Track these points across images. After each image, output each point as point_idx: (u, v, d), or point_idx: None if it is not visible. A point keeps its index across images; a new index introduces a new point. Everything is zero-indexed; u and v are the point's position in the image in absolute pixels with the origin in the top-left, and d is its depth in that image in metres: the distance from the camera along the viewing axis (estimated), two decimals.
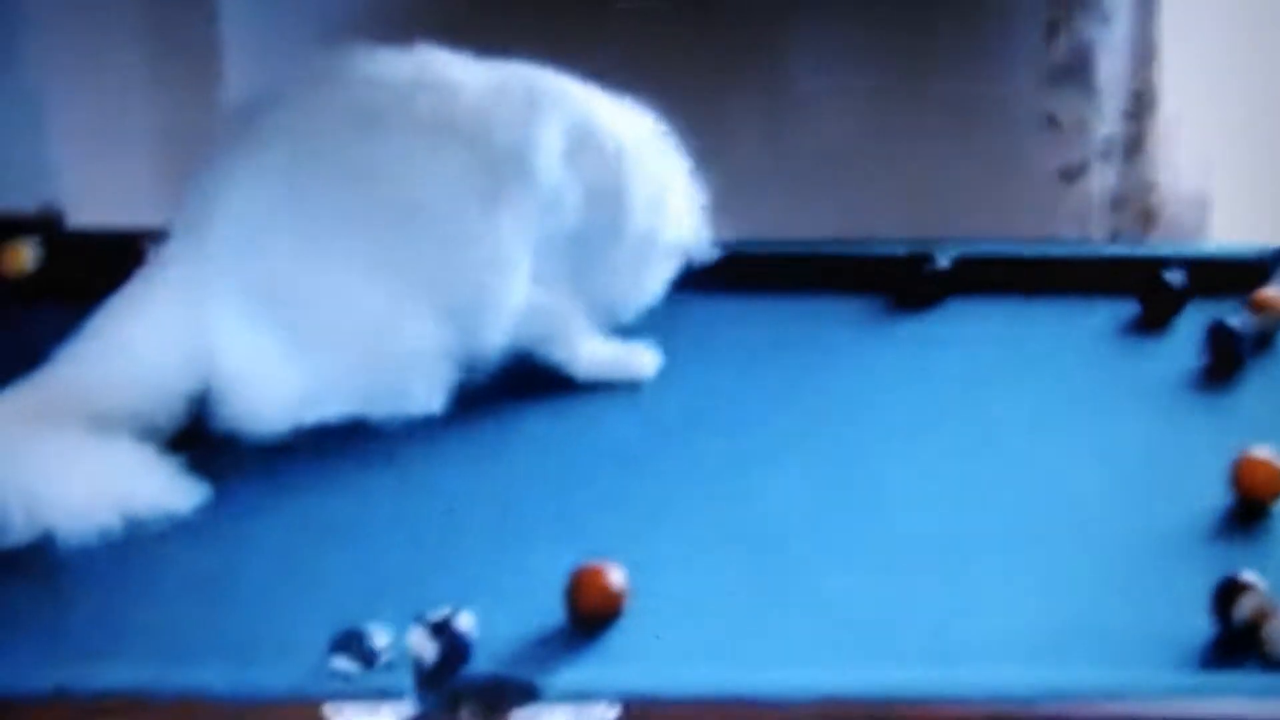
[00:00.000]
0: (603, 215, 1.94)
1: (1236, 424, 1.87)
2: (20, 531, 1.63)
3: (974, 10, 2.75)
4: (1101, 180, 2.67)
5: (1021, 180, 2.73)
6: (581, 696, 1.37)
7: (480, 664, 1.46)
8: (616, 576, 1.55)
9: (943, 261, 2.16)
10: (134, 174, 2.59)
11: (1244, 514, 1.70)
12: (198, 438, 1.81)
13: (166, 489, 1.69)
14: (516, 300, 1.89)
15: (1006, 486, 1.76)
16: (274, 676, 1.41)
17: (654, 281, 2.00)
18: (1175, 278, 2.10)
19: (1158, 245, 2.34)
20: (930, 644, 1.49)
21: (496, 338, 1.89)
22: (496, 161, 1.88)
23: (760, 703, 1.37)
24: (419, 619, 1.45)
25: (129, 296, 1.83)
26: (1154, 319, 2.09)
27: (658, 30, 2.75)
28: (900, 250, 2.18)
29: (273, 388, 1.82)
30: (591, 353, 1.98)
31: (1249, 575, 1.53)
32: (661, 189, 1.98)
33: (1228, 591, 1.52)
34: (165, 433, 1.76)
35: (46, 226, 2.22)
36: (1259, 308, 2.04)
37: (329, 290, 1.82)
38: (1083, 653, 1.48)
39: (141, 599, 1.60)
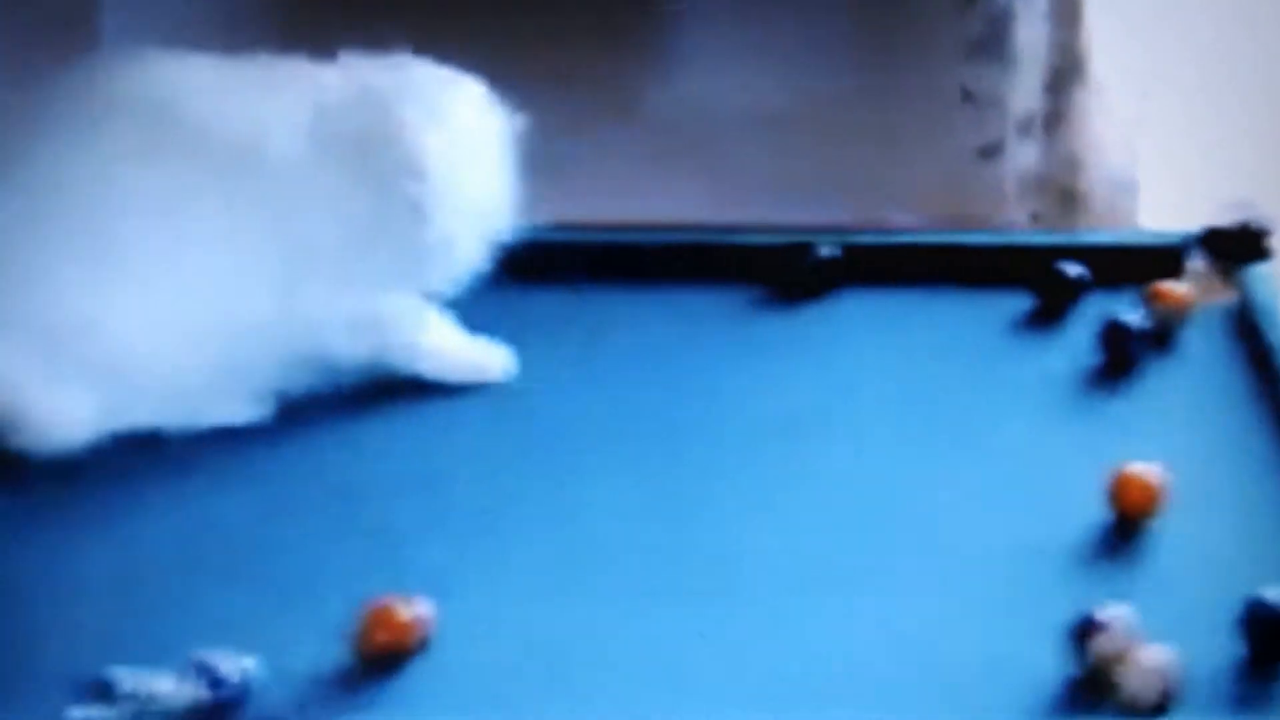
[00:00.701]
0: (396, 196, 1.77)
1: (1123, 430, 1.72)
2: None
3: None
4: (1021, 159, 2.50)
5: (938, 158, 2.55)
6: None
7: (254, 711, 1.33)
8: (408, 612, 1.40)
9: (828, 250, 1.99)
10: None
11: (1120, 532, 1.54)
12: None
13: None
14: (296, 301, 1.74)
15: (865, 501, 1.61)
16: None
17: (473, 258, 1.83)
18: (1073, 268, 1.94)
19: (1056, 232, 2.17)
20: (752, 690, 1.34)
21: (301, 342, 1.74)
22: (221, 159, 1.73)
23: None
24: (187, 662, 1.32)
25: None
26: (1049, 312, 1.93)
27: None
28: (781, 239, 2.01)
29: (59, 406, 1.69)
30: (438, 349, 1.83)
31: (1106, 612, 1.38)
32: (473, 161, 1.80)
33: (1084, 631, 1.38)
34: None
35: None
36: (1158, 301, 1.88)
37: (108, 306, 1.69)
38: (925, 700, 1.33)
39: None
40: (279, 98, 1.77)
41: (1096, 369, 1.82)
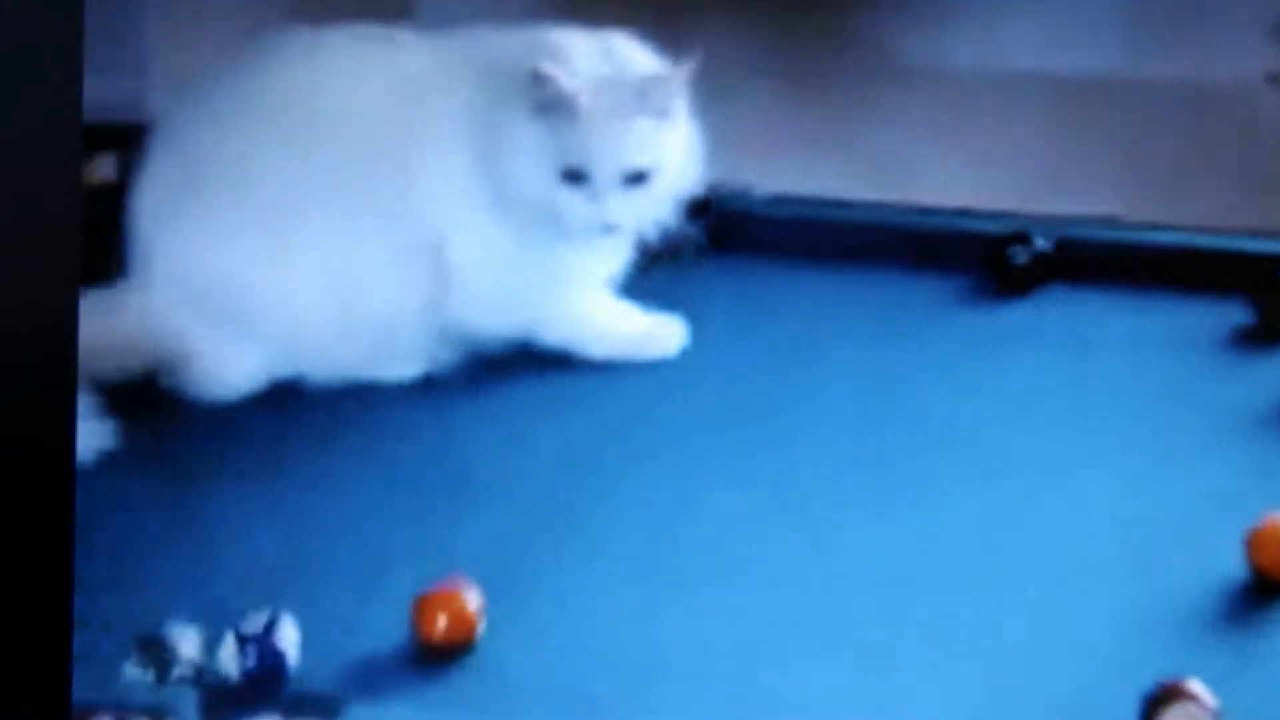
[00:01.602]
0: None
1: None
2: None
3: None
4: None
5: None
6: None
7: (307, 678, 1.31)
8: (462, 604, 1.36)
9: (1042, 243, 1.87)
10: None
11: (1258, 592, 1.40)
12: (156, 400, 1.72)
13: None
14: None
15: (1004, 534, 1.50)
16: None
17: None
18: None
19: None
20: None
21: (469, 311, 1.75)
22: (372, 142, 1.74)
23: None
24: (234, 627, 1.32)
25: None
26: (1270, 329, 1.76)
27: None
28: (994, 227, 1.89)
29: (224, 360, 1.74)
30: (601, 328, 1.79)
31: (1194, 684, 1.25)
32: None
33: (1159, 700, 1.25)
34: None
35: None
36: None
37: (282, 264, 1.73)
38: None
39: None
40: (423, 80, 1.76)
41: None
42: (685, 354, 1.81)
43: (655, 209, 1.75)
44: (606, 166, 1.71)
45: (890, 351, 1.80)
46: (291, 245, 1.73)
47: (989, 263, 1.88)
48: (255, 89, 1.79)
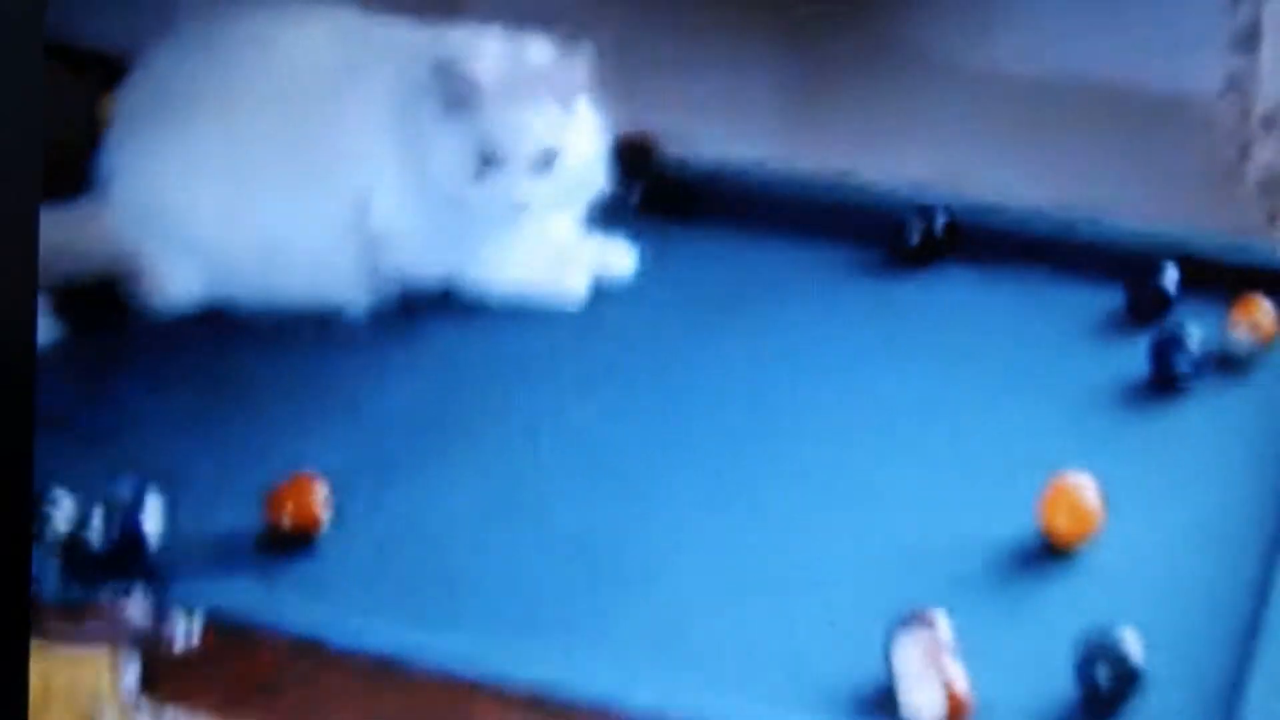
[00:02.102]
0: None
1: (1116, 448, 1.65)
2: None
3: None
4: (1260, 157, 2.33)
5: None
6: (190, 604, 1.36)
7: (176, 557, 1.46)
8: (308, 495, 1.51)
9: (941, 220, 1.96)
10: None
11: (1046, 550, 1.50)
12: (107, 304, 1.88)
13: None
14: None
15: (843, 469, 1.63)
16: None
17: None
18: (1171, 274, 1.84)
19: (1171, 232, 2.02)
20: None
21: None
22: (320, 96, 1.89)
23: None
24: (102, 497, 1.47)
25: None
26: (1137, 316, 1.84)
27: None
28: (899, 204, 1.99)
29: (167, 275, 1.89)
30: (505, 278, 1.92)
31: (936, 615, 1.34)
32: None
33: (902, 623, 1.35)
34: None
35: None
36: (1239, 321, 1.76)
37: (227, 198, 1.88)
38: None
39: None
40: (362, 59, 1.90)
41: (1144, 382, 1.74)
42: (596, 303, 1.93)
43: (563, 191, 1.88)
44: (514, 150, 1.83)
45: (792, 310, 1.91)
46: (237, 184, 1.88)
47: (891, 236, 1.98)
48: (225, 43, 1.95)
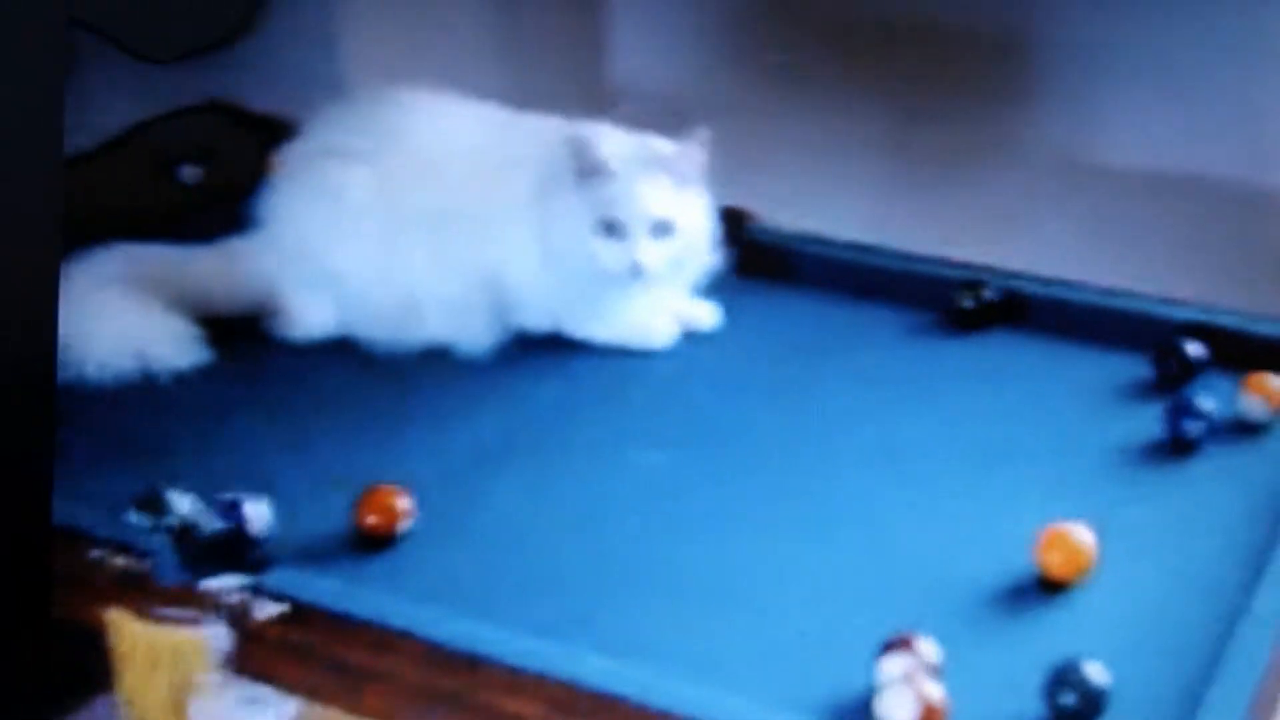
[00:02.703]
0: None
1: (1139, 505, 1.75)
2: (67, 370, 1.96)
3: None
4: None
5: None
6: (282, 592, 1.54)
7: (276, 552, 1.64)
8: (390, 501, 1.69)
9: (990, 292, 2.09)
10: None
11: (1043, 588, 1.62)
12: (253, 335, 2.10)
13: (177, 350, 2.01)
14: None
15: (870, 508, 1.75)
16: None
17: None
18: (1193, 346, 1.94)
19: (1198, 309, 2.11)
20: None
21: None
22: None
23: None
24: (214, 497, 1.66)
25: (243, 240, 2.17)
26: (1164, 384, 1.94)
27: None
28: (956, 275, 2.13)
29: (311, 313, 2.11)
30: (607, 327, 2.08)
31: (922, 640, 1.47)
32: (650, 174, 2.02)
33: (890, 646, 1.47)
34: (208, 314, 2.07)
35: None
36: (1249, 391, 1.85)
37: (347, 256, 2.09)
38: None
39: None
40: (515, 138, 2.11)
41: (1159, 444, 1.84)
42: (684, 352, 2.09)
43: (677, 259, 2.06)
44: (635, 216, 2.03)
45: (855, 363, 2.05)
46: (383, 239, 2.09)
47: (945, 304, 2.11)
48: (386, 116, 2.17)
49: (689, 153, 2.06)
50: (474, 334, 2.09)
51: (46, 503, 1.49)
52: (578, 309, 2.10)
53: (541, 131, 2.13)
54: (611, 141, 2.06)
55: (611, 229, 2.02)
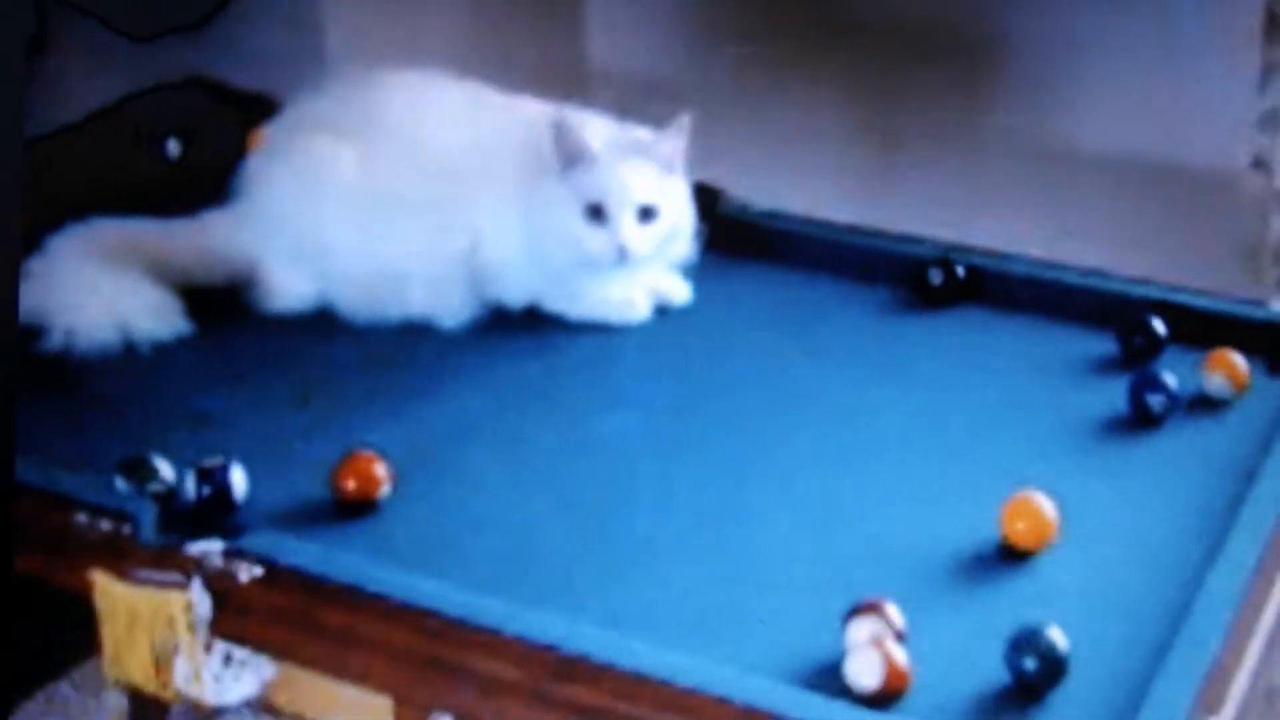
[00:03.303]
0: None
1: (1084, 470, 1.77)
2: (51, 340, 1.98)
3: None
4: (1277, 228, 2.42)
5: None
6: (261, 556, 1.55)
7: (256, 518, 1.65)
8: (369, 468, 1.70)
9: (960, 268, 2.10)
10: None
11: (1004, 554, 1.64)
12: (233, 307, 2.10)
13: (158, 321, 2.02)
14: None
15: (843, 473, 1.78)
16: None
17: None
18: (1158, 323, 1.96)
19: (1162, 288, 2.13)
20: None
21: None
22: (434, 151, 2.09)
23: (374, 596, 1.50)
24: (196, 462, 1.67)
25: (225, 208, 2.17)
26: (1128, 360, 1.96)
27: None
28: (924, 252, 2.14)
29: (290, 285, 2.11)
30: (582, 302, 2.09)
31: (889, 605, 1.49)
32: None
33: (857, 610, 1.49)
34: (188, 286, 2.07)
35: None
36: (1212, 368, 1.87)
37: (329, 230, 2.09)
38: None
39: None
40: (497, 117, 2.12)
41: (1122, 418, 1.86)
42: (655, 321, 2.10)
43: (661, 243, 2.07)
44: (620, 201, 2.03)
45: (824, 337, 2.07)
46: (364, 213, 2.09)
47: (914, 281, 2.13)
48: (369, 94, 2.18)
49: (671, 138, 2.07)
50: (453, 308, 2.09)
51: (8, 465, 1.52)
52: (556, 287, 2.10)
53: (527, 113, 2.14)
54: (595, 127, 2.07)
55: (596, 214, 2.03)
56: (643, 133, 2.10)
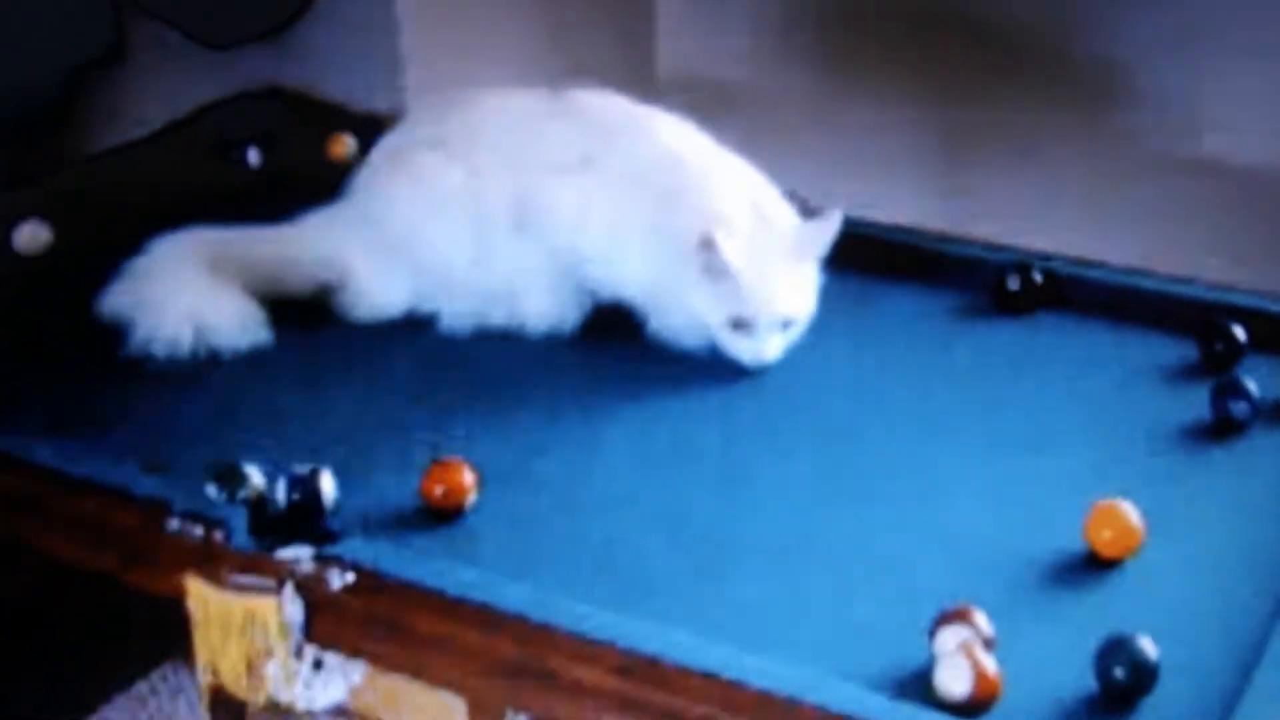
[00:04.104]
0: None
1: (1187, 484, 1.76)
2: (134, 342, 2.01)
3: None
4: None
5: None
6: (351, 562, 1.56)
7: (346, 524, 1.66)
8: (458, 475, 1.71)
9: (1037, 274, 2.10)
10: (471, 74, 2.73)
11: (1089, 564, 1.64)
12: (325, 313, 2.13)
13: (240, 330, 2.03)
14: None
15: (927, 484, 1.77)
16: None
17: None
18: (1239, 330, 1.95)
19: (1242, 294, 2.11)
20: None
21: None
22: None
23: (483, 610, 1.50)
24: (286, 470, 1.67)
25: (320, 215, 2.19)
26: (1210, 366, 1.95)
27: None
28: (1001, 257, 2.14)
29: (385, 293, 2.13)
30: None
31: (977, 613, 1.48)
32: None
33: (946, 618, 1.49)
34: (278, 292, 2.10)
35: (370, 125, 2.48)
36: None
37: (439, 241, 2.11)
38: None
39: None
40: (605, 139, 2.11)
41: (1205, 425, 1.85)
42: None
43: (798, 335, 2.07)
44: (765, 317, 2.01)
45: (899, 347, 2.07)
46: (465, 225, 2.10)
47: (991, 287, 2.12)
48: (484, 111, 2.18)
49: (817, 232, 2.02)
50: (543, 320, 2.10)
51: None
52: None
53: (633, 131, 2.12)
54: (737, 235, 2.00)
55: (739, 324, 2.01)
56: (782, 217, 2.04)
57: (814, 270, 2.05)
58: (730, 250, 1.98)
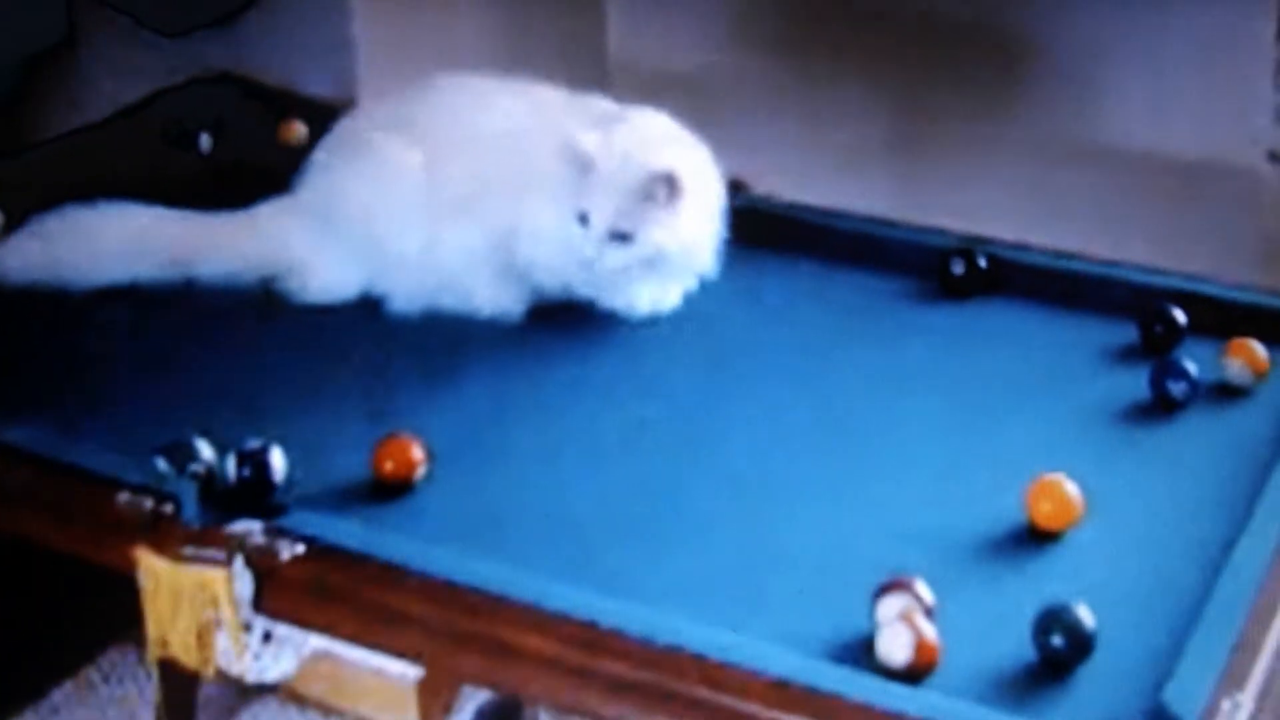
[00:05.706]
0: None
1: (1110, 455, 1.80)
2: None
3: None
4: None
5: None
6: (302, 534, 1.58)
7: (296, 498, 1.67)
8: (406, 450, 1.72)
9: (982, 259, 2.12)
10: (423, 61, 2.74)
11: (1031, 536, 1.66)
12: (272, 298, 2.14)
13: None
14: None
15: (869, 457, 1.80)
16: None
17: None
18: (1179, 313, 1.97)
19: (1182, 278, 2.15)
20: None
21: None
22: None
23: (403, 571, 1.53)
24: (237, 444, 1.69)
25: (272, 205, 2.20)
26: (1148, 349, 1.97)
27: None
28: (945, 243, 2.15)
29: (339, 278, 2.14)
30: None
31: (918, 582, 1.51)
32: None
33: (887, 588, 1.51)
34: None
35: (322, 111, 2.47)
36: (1232, 356, 1.89)
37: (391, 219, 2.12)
38: None
39: None
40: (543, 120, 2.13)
41: (1144, 405, 1.88)
42: (685, 311, 2.11)
43: (638, 265, 2.05)
44: (598, 219, 2.04)
45: (845, 330, 2.07)
46: (419, 217, 2.11)
47: (936, 272, 2.14)
48: (436, 102, 2.20)
49: (679, 186, 2.04)
50: (488, 301, 2.11)
51: None
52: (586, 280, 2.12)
53: (582, 113, 2.14)
54: (605, 144, 2.04)
55: (582, 221, 2.04)
56: (659, 156, 2.04)
57: (687, 216, 2.05)
58: (588, 141, 2.03)
